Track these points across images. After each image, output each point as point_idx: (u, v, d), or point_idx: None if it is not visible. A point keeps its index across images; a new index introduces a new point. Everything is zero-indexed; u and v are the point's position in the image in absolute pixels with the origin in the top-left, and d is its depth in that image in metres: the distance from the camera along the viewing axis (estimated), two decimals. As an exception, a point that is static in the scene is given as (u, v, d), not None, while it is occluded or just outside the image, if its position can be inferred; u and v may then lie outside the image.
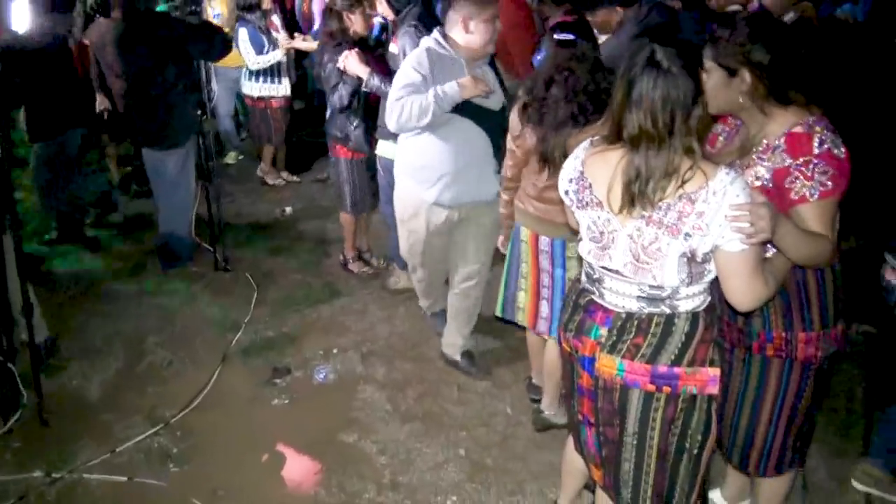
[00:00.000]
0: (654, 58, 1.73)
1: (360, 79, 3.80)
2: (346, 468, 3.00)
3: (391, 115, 3.07)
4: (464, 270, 3.46)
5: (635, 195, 1.77)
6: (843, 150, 1.93)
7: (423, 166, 3.21)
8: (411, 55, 3.15)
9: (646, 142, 1.74)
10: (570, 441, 2.40)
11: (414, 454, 3.08)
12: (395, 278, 4.39)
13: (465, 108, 3.03)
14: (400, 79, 3.11)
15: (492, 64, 3.27)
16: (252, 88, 5.85)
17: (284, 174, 6.34)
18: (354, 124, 4.11)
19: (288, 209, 5.73)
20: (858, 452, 2.97)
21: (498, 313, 3.22)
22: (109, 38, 4.19)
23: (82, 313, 4.19)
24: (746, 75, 1.96)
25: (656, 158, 1.73)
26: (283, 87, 5.91)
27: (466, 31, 3.02)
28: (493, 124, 3.13)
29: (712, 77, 1.99)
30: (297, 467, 3.03)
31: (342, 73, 3.90)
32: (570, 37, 2.69)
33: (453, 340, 3.64)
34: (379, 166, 4.03)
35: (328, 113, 4.24)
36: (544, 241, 2.91)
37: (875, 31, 5.03)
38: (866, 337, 3.84)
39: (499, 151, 3.13)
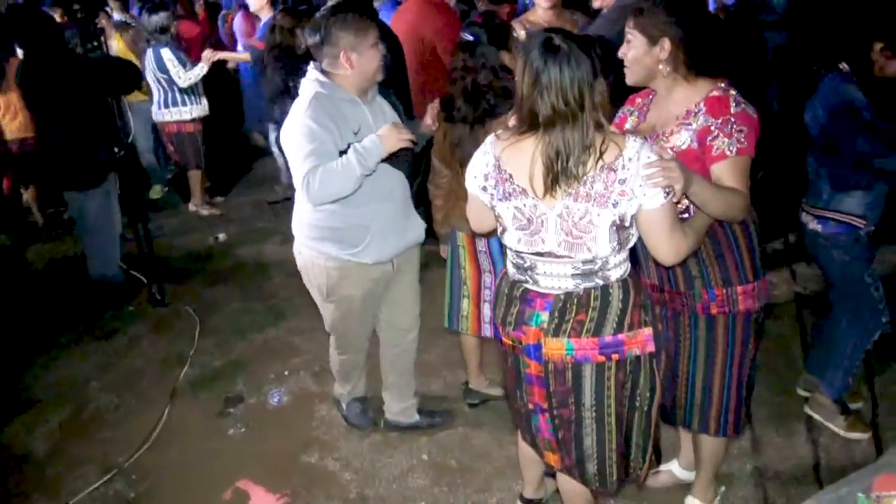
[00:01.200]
0: (552, 43, 1.81)
1: None
2: (312, 489, 2.98)
3: (307, 190, 2.49)
4: (406, 322, 3.13)
5: (559, 174, 1.85)
6: (754, 111, 2.08)
7: (344, 227, 2.72)
8: (300, 110, 2.59)
9: (560, 121, 1.82)
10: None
11: (378, 465, 3.07)
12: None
13: None
14: (302, 143, 2.53)
15: (381, 91, 2.90)
16: (182, 113, 5.70)
17: (216, 199, 6.23)
18: None
19: (221, 236, 5.63)
20: (802, 412, 3.12)
21: (445, 325, 3.24)
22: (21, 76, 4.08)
23: (18, 364, 4.02)
24: (667, 44, 2.07)
25: (573, 134, 1.82)
26: (204, 107, 5.84)
27: (351, 66, 2.60)
28: (404, 157, 2.81)
29: (633, 45, 2.12)
30: (262, 494, 2.98)
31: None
32: (471, 38, 2.74)
33: (405, 405, 3.28)
34: None
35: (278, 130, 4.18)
36: (481, 242, 2.95)
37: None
38: (798, 298, 4.04)
39: (414, 183, 2.95)
